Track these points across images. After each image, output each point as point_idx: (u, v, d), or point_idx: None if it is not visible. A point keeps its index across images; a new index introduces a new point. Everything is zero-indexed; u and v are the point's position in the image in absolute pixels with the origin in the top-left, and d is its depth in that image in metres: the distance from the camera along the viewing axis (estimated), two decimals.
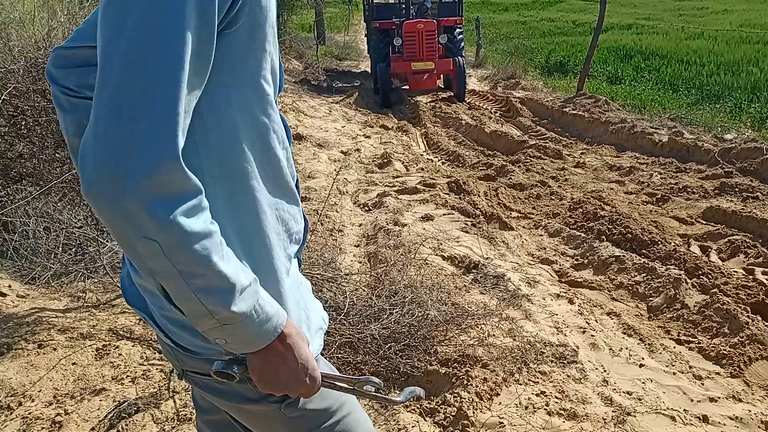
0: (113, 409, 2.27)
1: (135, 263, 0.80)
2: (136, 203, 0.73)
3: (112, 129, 0.73)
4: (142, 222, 0.74)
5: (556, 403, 2.44)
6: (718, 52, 12.18)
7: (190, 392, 2.38)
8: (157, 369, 2.52)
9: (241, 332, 0.87)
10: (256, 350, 0.91)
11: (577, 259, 4.09)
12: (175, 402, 2.33)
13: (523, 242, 4.39)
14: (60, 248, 3.19)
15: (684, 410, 2.46)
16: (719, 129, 7.39)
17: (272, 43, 0.94)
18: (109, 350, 2.61)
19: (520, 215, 5.00)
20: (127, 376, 2.47)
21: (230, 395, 1.04)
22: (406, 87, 10.93)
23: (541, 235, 4.55)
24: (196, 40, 0.77)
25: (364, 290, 3.14)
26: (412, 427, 2.30)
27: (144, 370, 2.51)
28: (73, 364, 2.52)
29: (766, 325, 3.02)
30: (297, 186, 1.08)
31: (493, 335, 2.88)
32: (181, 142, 0.76)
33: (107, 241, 3.15)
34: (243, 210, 0.94)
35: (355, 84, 11.94)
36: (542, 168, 6.30)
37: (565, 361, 2.73)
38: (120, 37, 0.74)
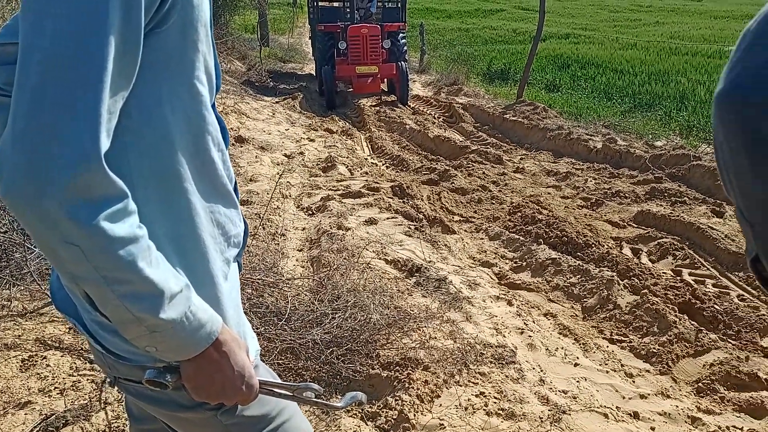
0: (39, 423, 2.16)
1: (57, 268, 0.78)
2: (56, 206, 0.71)
3: (31, 130, 0.70)
4: (64, 226, 0.72)
5: (495, 403, 2.49)
6: (649, 63, 12.74)
7: (122, 403, 2.30)
8: (87, 380, 2.42)
9: (172, 340, 0.85)
10: (189, 358, 0.89)
11: (516, 262, 4.18)
12: (106, 413, 2.24)
13: (464, 245, 4.46)
14: None
15: (616, 407, 2.55)
16: (650, 136, 7.72)
17: (206, 43, 0.92)
18: (36, 361, 2.49)
19: (461, 219, 5.08)
20: (55, 387, 2.36)
21: (164, 403, 1.01)
22: (351, 89, 10.96)
23: (482, 239, 4.63)
24: (121, 39, 0.75)
25: (306, 295, 3.12)
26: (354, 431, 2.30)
27: (74, 381, 2.40)
28: None
29: (692, 324, 3.17)
30: (236, 189, 1.07)
31: (435, 338, 2.91)
32: (105, 143, 0.74)
33: (35, 247, 3.01)
34: (175, 213, 0.92)
35: (300, 86, 11.86)
36: (483, 173, 6.42)
37: (504, 362, 2.78)
38: (41, 35, 0.71)
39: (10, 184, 0.71)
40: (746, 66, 0.53)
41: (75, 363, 2.51)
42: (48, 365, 2.47)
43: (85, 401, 2.30)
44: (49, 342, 2.63)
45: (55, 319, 2.80)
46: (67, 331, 2.72)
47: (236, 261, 1.08)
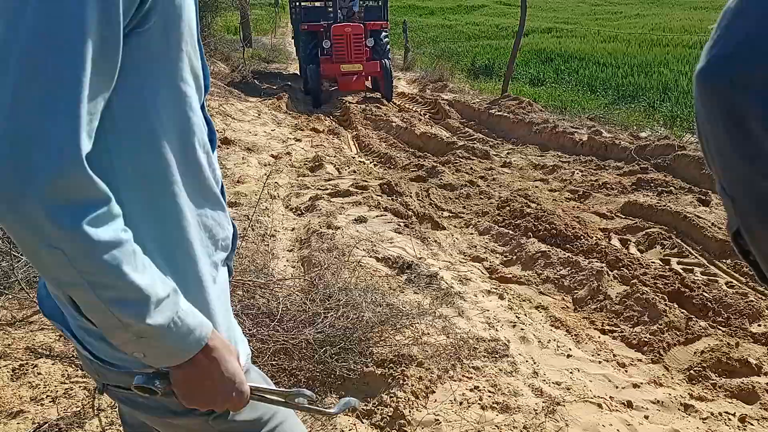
0: None
1: (41, 273, 0.77)
2: (38, 210, 0.69)
3: (9, 132, 0.69)
4: (46, 230, 0.71)
5: (489, 396, 2.50)
6: (631, 55, 12.85)
7: (116, 409, 2.28)
8: (80, 387, 2.40)
9: (160, 345, 0.84)
10: (178, 364, 0.88)
11: (506, 256, 4.20)
12: (100, 420, 2.22)
13: (454, 241, 4.47)
14: None
15: (610, 397, 2.57)
16: (635, 127, 7.78)
17: (190, 43, 0.91)
18: (27, 370, 2.46)
19: (451, 215, 5.09)
20: (47, 396, 2.33)
21: (154, 409, 1.00)
22: (335, 87, 11.01)
23: (472, 234, 4.64)
24: (99, 39, 0.73)
25: (297, 295, 3.11)
26: (349, 430, 2.30)
27: (66, 389, 2.38)
28: None
29: (682, 312, 3.19)
30: (222, 192, 1.05)
31: (428, 334, 2.91)
32: (86, 145, 0.73)
33: (22, 255, 2.97)
34: (162, 216, 0.91)
35: (285, 85, 11.83)
36: (471, 168, 6.44)
37: (497, 356, 2.79)
38: (17, 35, 0.70)
39: None
40: (726, 43, 0.54)
41: (66, 370, 2.48)
42: (39, 373, 2.45)
43: (78, 408, 2.28)
44: (40, 350, 2.60)
45: (45, 327, 2.77)
46: (57, 338, 2.69)
47: (226, 264, 1.07)
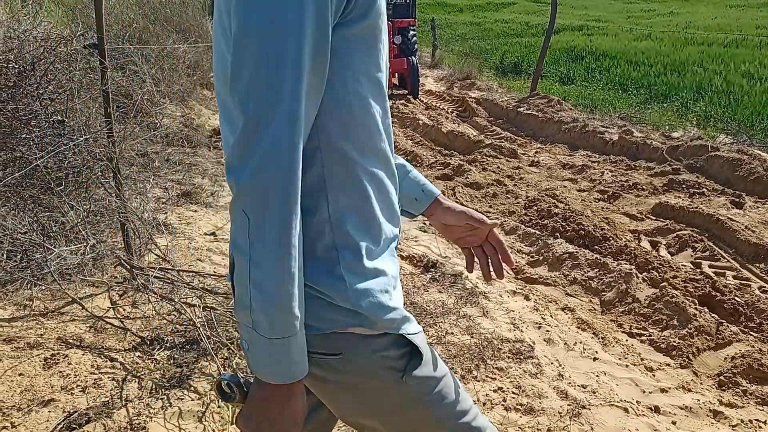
0: (63, 421, 2.19)
1: (232, 229, 0.87)
2: (248, 182, 0.83)
3: (249, 120, 0.82)
4: (247, 198, 0.83)
5: (513, 398, 2.48)
6: (664, 53, 12.60)
7: (142, 400, 2.32)
8: (108, 377, 2.45)
9: (262, 350, 0.88)
10: (262, 381, 0.90)
11: (532, 256, 4.16)
12: (128, 411, 2.27)
13: None
14: (4, 255, 3.06)
15: (636, 401, 2.53)
16: (667, 127, 7.64)
17: (383, 29, 0.97)
18: (58, 359, 2.52)
19: None
20: (77, 385, 2.38)
21: (343, 372, 1.01)
22: None
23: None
24: (314, 42, 0.83)
25: None
26: None
27: (95, 379, 2.43)
28: (20, 375, 2.42)
29: (712, 317, 3.13)
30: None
31: (452, 333, 2.90)
32: (302, 135, 0.84)
33: (54, 247, 3.04)
34: (357, 189, 0.97)
35: None
36: (498, 167, 6.39)
37: (522, 357, 2.77)
38: (244, 52, 0.81)
39: (229, 156, 0.85)
40: None
41: (96, 361, 2.54)
42: (69, 363, 2.50)
43: (107, 399, 2.32)
44: (71, 341, 2.66)
45: (76, 318, 2.83)
46: (87, 329, 2.75)
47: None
